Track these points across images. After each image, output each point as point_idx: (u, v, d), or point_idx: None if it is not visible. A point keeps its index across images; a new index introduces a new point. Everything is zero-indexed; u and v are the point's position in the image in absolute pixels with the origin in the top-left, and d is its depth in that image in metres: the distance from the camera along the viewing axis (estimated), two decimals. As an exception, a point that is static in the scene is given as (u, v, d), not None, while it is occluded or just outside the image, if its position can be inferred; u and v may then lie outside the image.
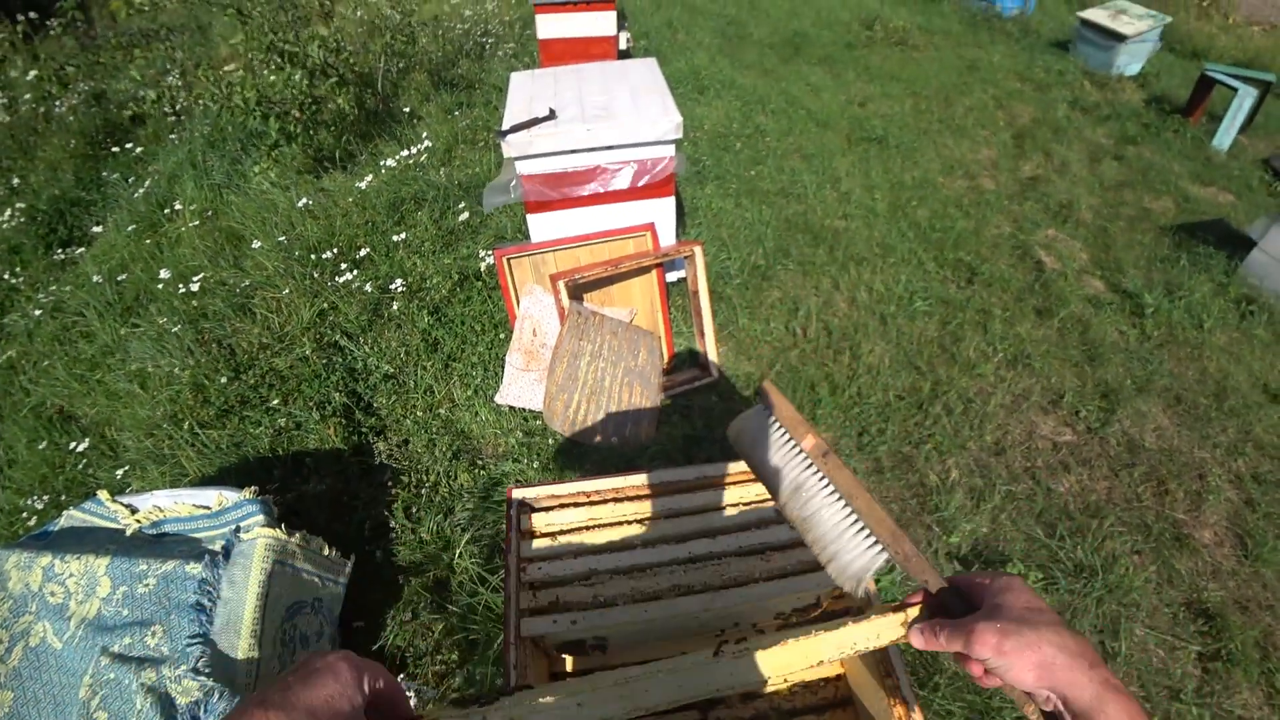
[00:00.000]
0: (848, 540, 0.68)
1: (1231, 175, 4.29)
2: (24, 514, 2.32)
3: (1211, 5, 7.72)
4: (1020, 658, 0.53)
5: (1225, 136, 4.57)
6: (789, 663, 0.65)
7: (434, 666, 1.81)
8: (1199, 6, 7.68)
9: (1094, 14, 5.69)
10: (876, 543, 0.67)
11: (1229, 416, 2.61)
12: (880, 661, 0.95)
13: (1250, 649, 1.91)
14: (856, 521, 0.68)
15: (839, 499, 0.68)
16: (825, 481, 0.69)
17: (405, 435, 2.37)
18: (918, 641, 0.62)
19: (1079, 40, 5.90)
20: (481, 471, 2.22)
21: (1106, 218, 3.83)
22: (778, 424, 0.72)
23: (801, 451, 0.70)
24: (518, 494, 1.10)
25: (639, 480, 1.11)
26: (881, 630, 0.66)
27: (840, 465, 0.68)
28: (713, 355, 2.50)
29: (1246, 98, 4.42)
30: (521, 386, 2.36)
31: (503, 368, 2.46)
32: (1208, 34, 6.83)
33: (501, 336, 2.63)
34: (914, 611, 0.66)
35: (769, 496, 1.13)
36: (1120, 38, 5.44)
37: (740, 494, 1.10)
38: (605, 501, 1.09)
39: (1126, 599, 2.01)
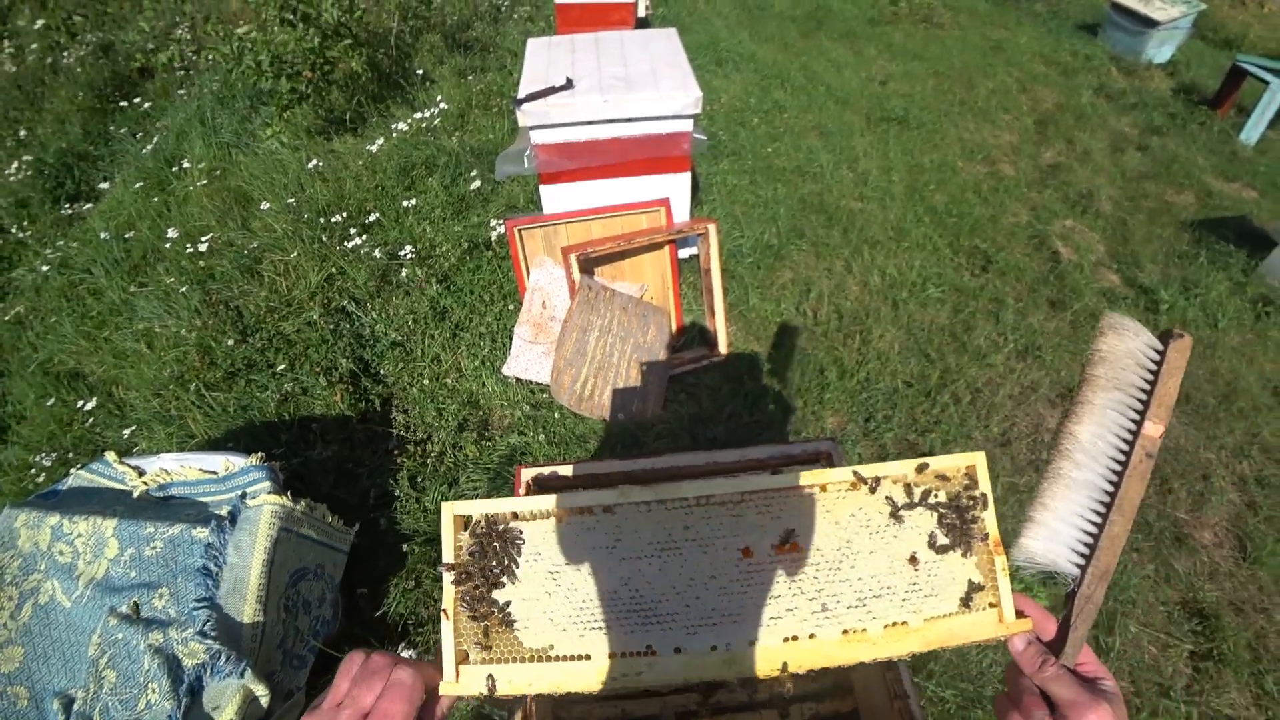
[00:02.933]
0: (1068, 528, 0.61)
1: (1257, 171, 4.21)
2: (32, 470, 2.34)
3: (1247, -9, 7.50)
4: None
5: (1254, 131, 4.47)
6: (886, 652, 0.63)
7: (435, 635, 1.83)
8: (1234, -8, 7.46)
9: (1126, -3, 5.54)
10: (1087, 559, 0.60)
11: (1237, 418, 2.59)
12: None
13: (1241, 650, 1.93)
14: (1094, 526, 0.60)
15: (1107, 494, 0.60)
16: (1117, 469, 0.60)
17: (411, 403, 2.37)
18: (1019, 647, 0.61)
19: (1108, 24, 5.74)
20: (487, 443, 2.22)
21: (1126, 210, 3.77)
22: (1149, 376, 0.61)
23: (1137, 424, 0.60)
24: (527, 473, 1.09)
25: (649, 464, 1.10)
26: (979, 624, 0.64)
27: (1145, 475, 0.59)
28: (722, 335, 2.48)
29: (1279, 91, 4.31)
30: (529, 359, 2.35)
31: (510, 339, 2.44)
32: (1242, 22, 6.64)
33: (510, 307, 2.61)
34: (1015, 621, 0.64)
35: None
36: (1152, 23, 5.30)
37: (755, 483, 1.09)
38: (613, 484, 1.09)
39: (1123, 595, 2.02)
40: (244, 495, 1.74)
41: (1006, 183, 3.89)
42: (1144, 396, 0.60)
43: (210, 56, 3.29)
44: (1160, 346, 0.60)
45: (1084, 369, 0.62)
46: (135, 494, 1.81)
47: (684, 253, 2.72)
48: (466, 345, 2.52)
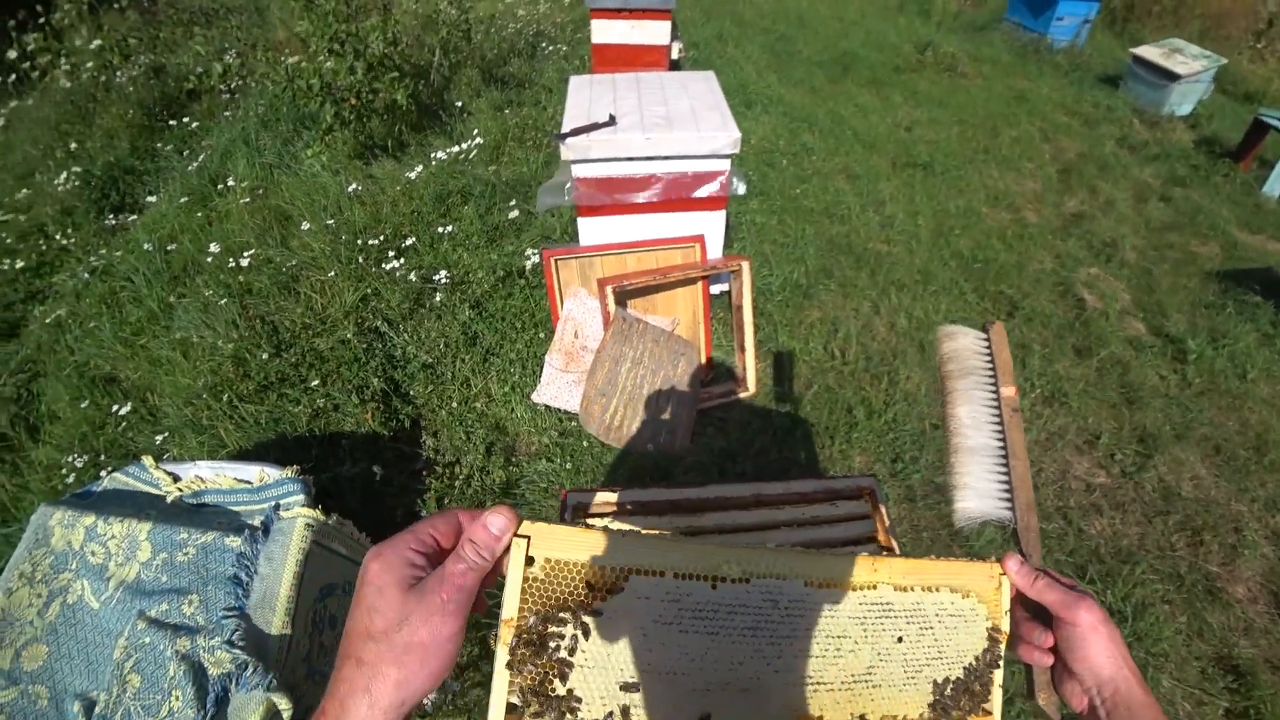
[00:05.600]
0: (987, 484, 0.73)
1: (1282, 224, 4.23)
2: (63, 470, 2.37)
3: (1268, 49, 7.60)
4: (1105, 644, 0.59)
5: (1277, 184, 4.49)
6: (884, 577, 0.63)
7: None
8: (1255, 49, 7.56)
9: (1147, 51, 5.63)
10: (1010, 501, 0.72)
11: (1269, 471, 2.56)
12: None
13: (1279, 711, 1.88)
14: (1005, 475, 0.74)
15: (1003, 449, 0.75)
16: (1000, 428, 0.76)
17: (440, 426, 2.39)
18: (1013, 568, 0.66)
19: (1130, 77, 5.83)
20: (515, 469, 2.24)
21: (1151, 259, 3.78)
22: (989, 359, 0.79)
23: (996, 392, 0.77)
24: (573, 497, 1.11)
25: (695, 494, 1.11)
26: (976, 574, 0.67)
27: (1019, 425, 0.75)
28: (751, 371, 2.50)
29: (1302, 147, 4.35)
30: (559, 387, 2.38)
31: (541, 366, 2.47)
32: (1263, 77, 6.72)
33: (541, 335, 2.65)
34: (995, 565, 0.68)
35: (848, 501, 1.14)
36: (1174, 77, 5.38)
37: (795, 514, 1.10)
38: (661, 513, 1.10)
39: (1155, 648, 1.98)
40: (277, 506, 1.76)
41: (1031, 230, 3.92)
42: (991, 372, 0.78)
43: (260, 80, 3.42)
44: (985, 335, 0.81)
45: (939, 370, 0.81)
46: (169, 499, 1.83)
47: (715, 289, 2.75)
48: (497, 371, 2.55)
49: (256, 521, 1.73)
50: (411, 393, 2.49)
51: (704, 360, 2.57)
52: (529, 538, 0.51)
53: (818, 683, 0.59)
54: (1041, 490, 2.42)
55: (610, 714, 0.52)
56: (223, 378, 2.48)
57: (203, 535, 1.67)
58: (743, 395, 2.49)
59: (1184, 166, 4.77)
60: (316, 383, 2.44)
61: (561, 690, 0.51)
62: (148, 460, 1.90)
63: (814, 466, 2.35)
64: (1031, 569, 0.66)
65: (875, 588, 0.62)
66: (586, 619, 0.52)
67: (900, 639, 0.62)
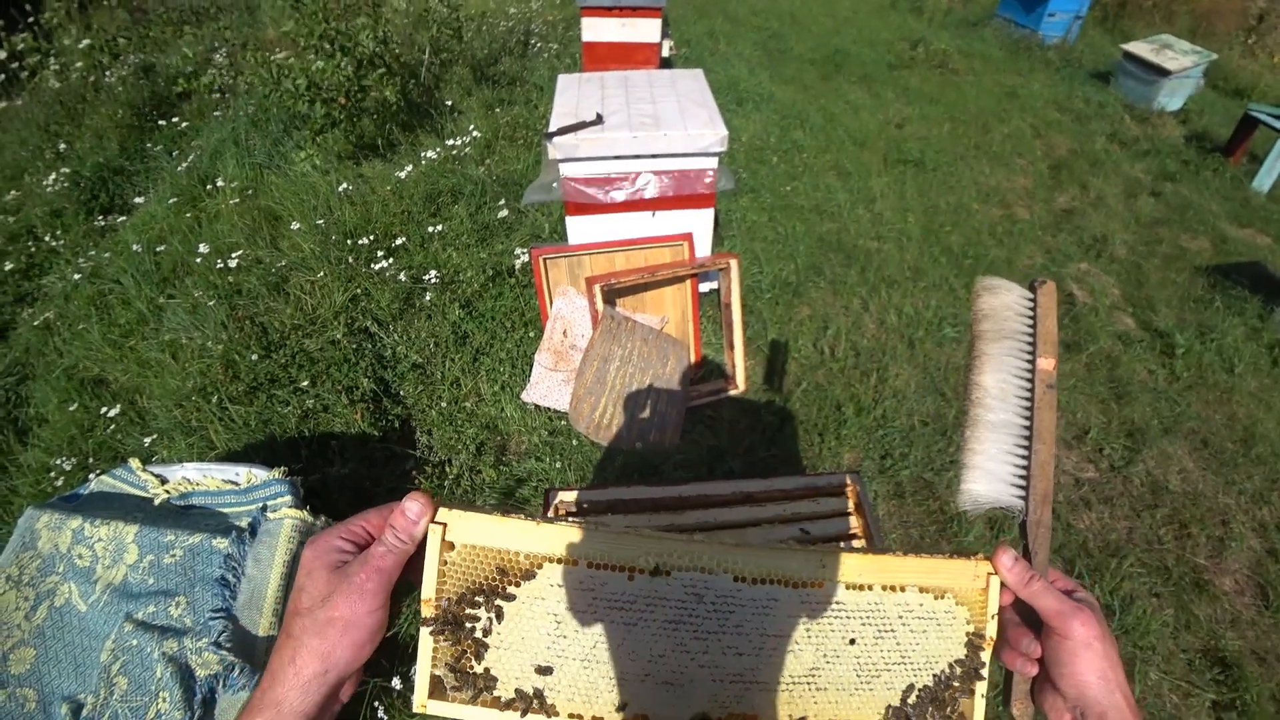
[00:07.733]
0: (1000, 465, 0.64)
1: (1270, 218, 4.24)
2: (51, 473, 2.36)
3: (1258, 44, 7.63)
4: (1098, 662, 0.53)
5: (1266, 178, 4.51)
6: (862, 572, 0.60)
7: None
8: (1245, 45, 7.59)
9: (1137, 47, 5.65)
10: (1025, 490, 0.64)
11: (1256, 464, 2.58)
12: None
13: (1265, 702, 1.89)
14: (1024, 459, 0.64)
15: (1026, 429, 0.65)
16: (1028, 405, 0.65)
17: (430, 426, 2.39)
18: (1006, 564, 0.59)
19: (1121, 73, 5.85)
20: (504, 468, 2.24)
21: (1141, 254, 3.80)
22: (1031, 321, 0.67)
23: (1031, 363, 0.66)
24: (555, 495, 1.11)
25: (677, 492, 1.11)
26: (957, 572, 0.60)
27: (1052, 405, 0.64)
28: (740, 369, 2.50)
29: (1291, 142, 4.37)
30: (548, 386, 2.38)
31: (530, 366, 2.47)
32: (1252, 72, 6.74)
33: (531, 334, 2.65)
34: (982, 561, 0.61)
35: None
36: (1164, 72, 5.40)
37: (778, 511, 1.11)
38: (642, 510, 1.10)
39: (1143, 641, 1.99)
40: (265, 508, 1.75)
41: (1021, 226, 3.93)
42: (1030, 339, 0.67)
43: (248, 80, 3.40)
44: (1031, 295, 0.68)
45: (972, 327, 0.68)
46: (156, 501, 1.82)
47: (704, 286, 2.75)
48: (486, 370, 2.55)
49: (244, 523, 1.73)
50: (401, 393, 2.49)
51: (693, 358, 2.57)
52: (445, 525, 0.53)
53: (750, 681, 0.56)
54: (1030, 485, 2.43)
55: (523, 694, 0.54)
56: (212, 379, 2.47)
57: (190, 537, 1.67)
58: (732, 393, 2.50)
59: (1174, 162, 4.80)
60: (306, 383, 2.43)
61: (478, 669, 0.54)
62: (135, 463, 1.89)
63: (803, 463, 2.36)
64: (1027, 568, 0.59)
65: (820, 585, 0.58)
66: (500, 602, 0.54)
67: (853, 641, 0.58)
